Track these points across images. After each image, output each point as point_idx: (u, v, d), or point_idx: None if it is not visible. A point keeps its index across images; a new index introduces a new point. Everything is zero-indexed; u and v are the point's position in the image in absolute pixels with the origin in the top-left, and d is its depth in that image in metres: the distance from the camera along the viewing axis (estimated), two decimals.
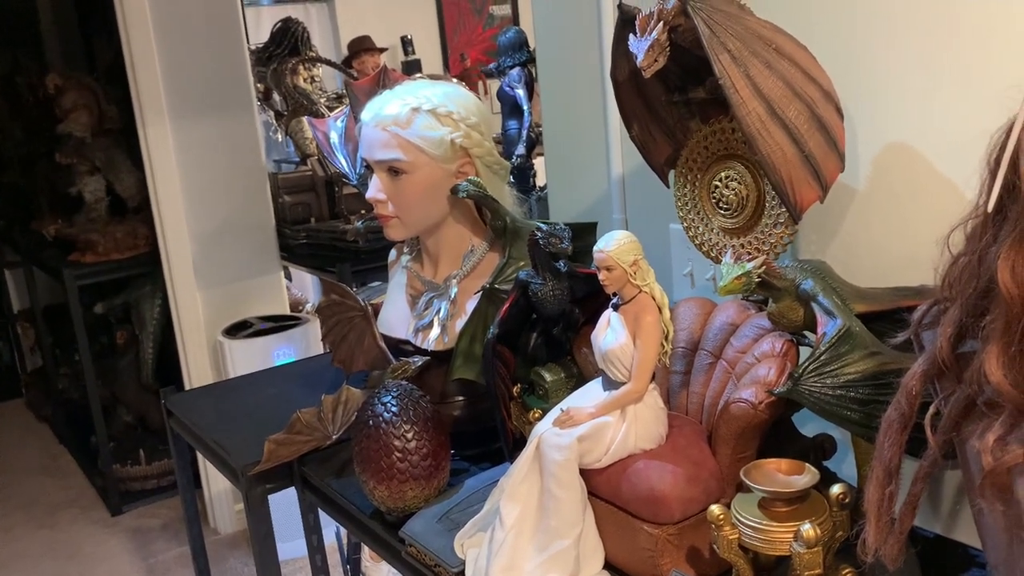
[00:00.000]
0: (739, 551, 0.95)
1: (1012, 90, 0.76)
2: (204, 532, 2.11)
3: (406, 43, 5.45)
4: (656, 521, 1.01)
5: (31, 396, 4.96)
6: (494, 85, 3.84)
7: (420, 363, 1.44)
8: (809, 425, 1.14)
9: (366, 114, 1.45)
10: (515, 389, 1.27)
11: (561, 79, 1.79)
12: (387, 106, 1.42)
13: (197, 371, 3.35)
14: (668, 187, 1.30)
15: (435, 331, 1.47)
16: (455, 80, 1.59)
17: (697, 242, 1.26)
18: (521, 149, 3.15)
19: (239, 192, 3.37)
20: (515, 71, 3.24)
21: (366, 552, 2.41)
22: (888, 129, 1.17)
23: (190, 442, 1.83)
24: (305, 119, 3.15)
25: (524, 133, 3.16)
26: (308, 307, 3.84)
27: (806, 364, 0.97)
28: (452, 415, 1.46)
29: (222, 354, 3.22)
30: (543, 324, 1.28)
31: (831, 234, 1.26)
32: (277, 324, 3.28)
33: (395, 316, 1.57)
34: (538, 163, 3.09)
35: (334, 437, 1.45)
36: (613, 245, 1.04)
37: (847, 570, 0.93)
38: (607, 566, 1.07)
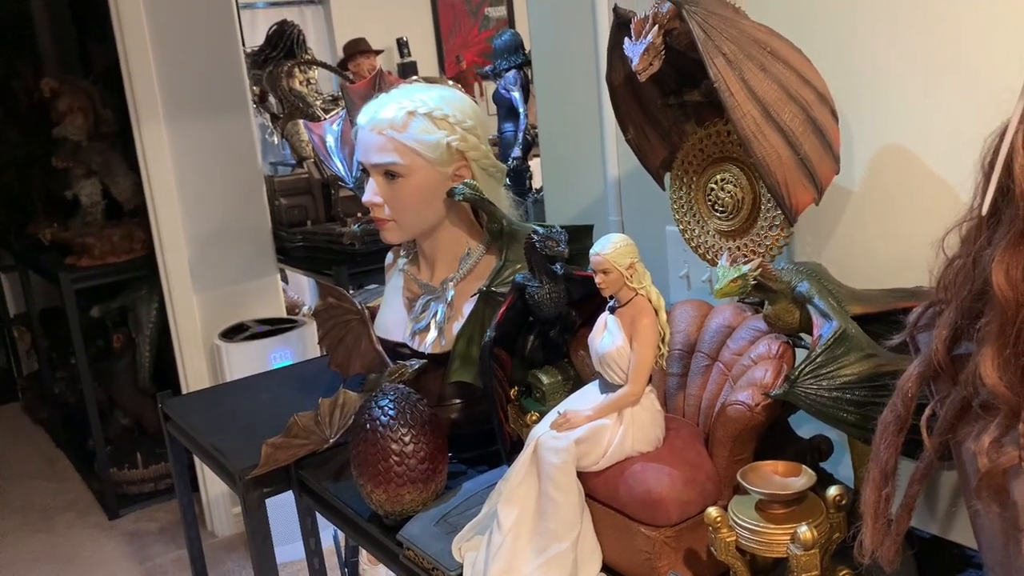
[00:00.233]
0: (736, 553, 0.95)
1: (1006, 93, 0.76)
2: (201, 535, 2.10)
3: (402, 45, 5.46)
4: (653, 523, 1.01)
5: (27, 400, 4.95)
6: (490, 87, 3.84)
7: (417, 366, 1.44)
8: (805, 427, 1.14)
9: (362, 118, 1.45)
10: (512, 392, 1.27)
11: (557, 82, 1.79)
12: (383, 110, 1.42)
13: (194, 374, 3.35)
14: (664, 190, 1.31)
15: (432, 334, 1.48)
16: (451, 83, 1.59)
17: (693, 244, 1.27)
18: (517, 152, 3.15)
19: (235, 195, 3.37)
20: (511, 73, 3.24)
21: (364, 555, 2.41)
22: (883, 131, 1.17)
23: (187, 446, 1.82)
24: (301, 122, 3.16)
25: (520, 136, 3.17)
26: (305, 310, 3.84)
27: (802, 366, 0.97)
28: (449, 418, 1.46)
29: (219, 357, 3.22)
30: (540, 327, 1.29)
31: (826, 236, 1.27)
32: (274, 327, 3.28)
33: (392, 319, 1.57)
34: (534, 165, 3.10)
35: (331, 441, 1.45)
36: (609, 248, 1.04)
37: (844, 572, 0.93)
38: (605, 569, 1.07)
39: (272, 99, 3.53)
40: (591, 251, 1.06)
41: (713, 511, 0.95)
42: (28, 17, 4.57)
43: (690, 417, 1.15)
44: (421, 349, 1.48)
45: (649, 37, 1.06)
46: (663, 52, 1.06)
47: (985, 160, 0.77)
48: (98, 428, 3.63)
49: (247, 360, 3.09)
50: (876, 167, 1.19)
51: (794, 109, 1.04)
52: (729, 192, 1.18)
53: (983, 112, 0.80)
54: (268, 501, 1.53)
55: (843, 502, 0.93)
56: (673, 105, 1.23)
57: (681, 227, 1.27)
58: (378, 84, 1.61)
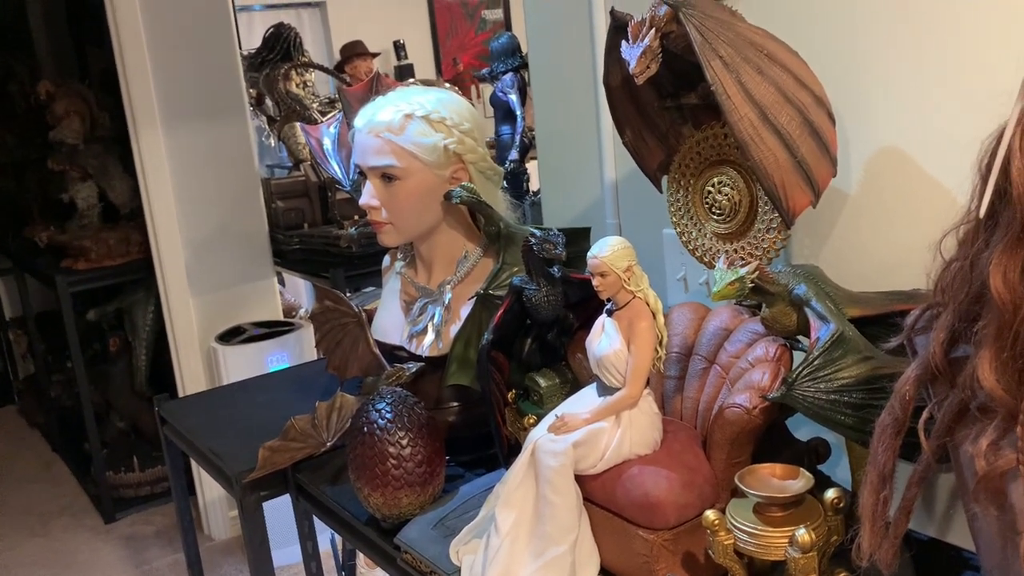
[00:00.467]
0: (734, 556, 0.95)
1: (1003, 96, 0.76)
2: (198, 539, 2.10)
3: (399, 48, 5.46)
4: (651, 527, 1.01)
5: (24, 403, 4.94)
6: (487, 90, 3.84)
7: (414, 369, 1.44)
8: (803, 429, 1.14)
9: (359, 120, 1.45)
10: (510, 395, 1.27)
11: (554, 84, 1.79)
12: (380, 112, 1.42)
13: (190, 377, 3.34)
14: (661, 192, 1.31)
15: (429, 337, 1.47)
16: (448, 85, 1.59)
17: (690, 247, 1.27)
18: (514, 154, 3.15)
19: (232, 198, 3.36)
20: (508, 76, 3.24)
21: (361, 559, 2.41)
22: (880, 134, 1.17)
23: (184, 449, 1.82)
24: (298, 125, 3.16)
25: (517, 138, 3.17)
26: (302, 313, 3.83)
27: (800, 369, 0.97)
28: (447, 421, 1.45)
29: (215, 360, 3.22)
30: (537, 330, 1.29)
31: (824, 239, 1.27)
32: (271, 330, 3.28)
33: (389, 322, 1.57)
34: (531, 168, 3.10)
35: (328, 444, 1.45)
36: (607, 251, 1.04)
37: (842, 574, 0.93)
38: (603, 572, 1.07)
39: (269, 102, 3.53)
40: (588, 254, 1.05)
41: (711, 514, 0.95)
42: (25, 20, 4.57)
43: (688, 420, 1.15)
44: (418, 352, 1.48)
45: (646, 40, 1.06)
46: (660, 55, 1.06)
47: (982, 163, 0.77)
48: (94, 431, 3.62)
49: (244, 363, 3.09)
50: (873, 170, 1.19)
51: (791, 112, 1.05)
52: (726, 195, 1.18)
53: (980, 115, 0.80)
54: (265, 504, 1.53)
55: (841, 505, 0.93)
56: (670, 108, 1.23)
57: (678, 230, 1.27)
58: (375, 87, 1.61)
